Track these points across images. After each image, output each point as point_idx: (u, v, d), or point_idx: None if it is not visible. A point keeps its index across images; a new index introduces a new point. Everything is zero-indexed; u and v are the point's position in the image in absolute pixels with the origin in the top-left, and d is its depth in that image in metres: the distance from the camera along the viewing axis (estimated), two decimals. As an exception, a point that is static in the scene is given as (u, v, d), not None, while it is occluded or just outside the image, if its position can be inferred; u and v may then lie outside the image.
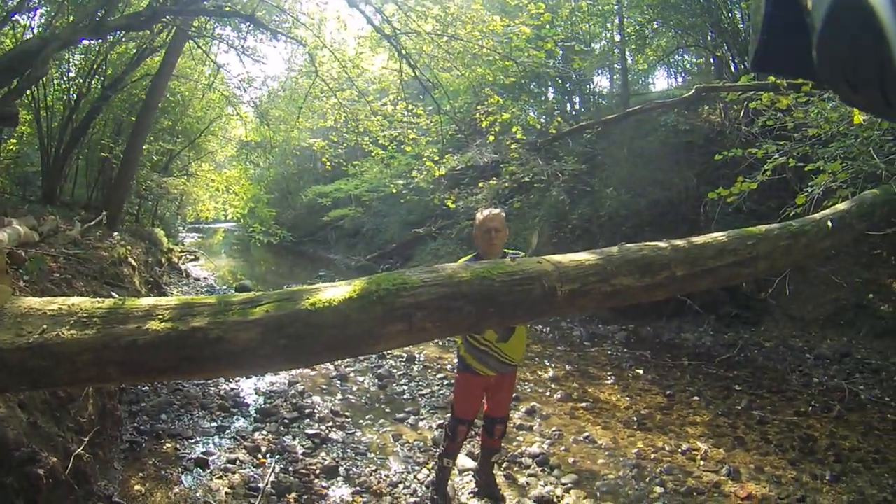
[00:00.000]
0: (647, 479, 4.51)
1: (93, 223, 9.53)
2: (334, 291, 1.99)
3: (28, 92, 10.35)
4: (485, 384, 4.03)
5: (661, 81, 20.26)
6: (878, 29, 0.54)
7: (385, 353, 7.89)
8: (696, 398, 6.36)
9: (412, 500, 4.15)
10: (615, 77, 16.90)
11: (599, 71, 17.65)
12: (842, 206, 4.09)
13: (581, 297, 2.28)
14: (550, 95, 18.14)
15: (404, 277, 2.04)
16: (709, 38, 13.74)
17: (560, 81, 16.15)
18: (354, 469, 4.59)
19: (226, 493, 4.10)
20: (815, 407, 5.97)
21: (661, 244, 2.56)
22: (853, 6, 0.57)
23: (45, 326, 2.10)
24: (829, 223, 3.44)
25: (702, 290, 3.01)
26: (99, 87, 13.64)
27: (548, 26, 8.86)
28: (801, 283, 8.17)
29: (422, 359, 7.87)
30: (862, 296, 7.75)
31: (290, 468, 4.52)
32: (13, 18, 10.27)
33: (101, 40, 12.13)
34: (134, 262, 9.33)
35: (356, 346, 2.07)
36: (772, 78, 6.63)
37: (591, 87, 18.07)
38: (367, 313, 1.93)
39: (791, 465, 4.70)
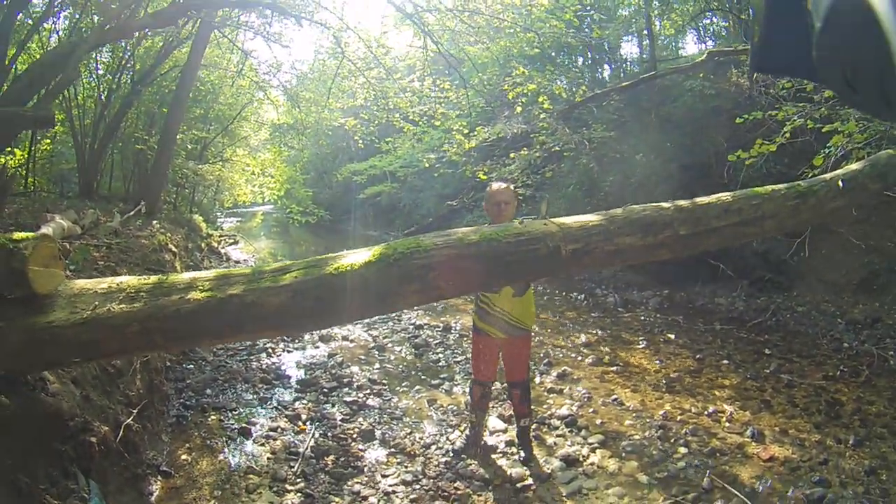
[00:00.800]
0: (672, 440, 4.60)
1: (132, 213, 9.83)
2: (355, 257, 2.17)
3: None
4: (497, 346, 4.30)
5: (690, 46, 19.80)
6: (877, 29, 0.56)
7: (422, 323, 8.13)
8: (725, 362, 6.41)
9: (443, 459, 4.33)
10: (644, 43, 16.58)
11: (628, 38, 17.36)
12: (854, 165, 4.03)
13: (585, 255, 2.42)
14: (580, 64, 17.90)
15: (418, 241, 2.21)
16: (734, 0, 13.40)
17: (587, 51, 15.94)
18: (390, 432, 4.80)
19: (268, 457, 4.34)
20: (844, 371, 5.97)
21: (665, 205, 2.66)
22: (853, 6, 0.59)
23: (96, 303, 2.29)
24: (840, 183, 3.43)
25: (708, 249, 3.08)
26: (128, 81, 13.84)
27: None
28: (834, 248, 8.08)
29: (458, 328, 8.00)
30: (895, 260, 7.64)
31: (329, 433, 4.75)
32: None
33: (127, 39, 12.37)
34: (174, 248, 9.60)
35: (377, 305, 2.26)
36: None
37: (620, 54, 17.79)
38: (385, 275, 2.11)
39: (816, 428, 4.72)
